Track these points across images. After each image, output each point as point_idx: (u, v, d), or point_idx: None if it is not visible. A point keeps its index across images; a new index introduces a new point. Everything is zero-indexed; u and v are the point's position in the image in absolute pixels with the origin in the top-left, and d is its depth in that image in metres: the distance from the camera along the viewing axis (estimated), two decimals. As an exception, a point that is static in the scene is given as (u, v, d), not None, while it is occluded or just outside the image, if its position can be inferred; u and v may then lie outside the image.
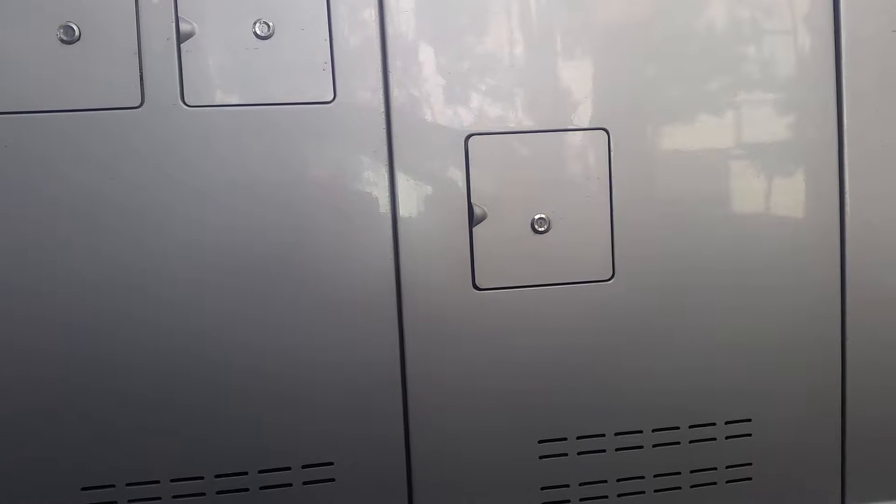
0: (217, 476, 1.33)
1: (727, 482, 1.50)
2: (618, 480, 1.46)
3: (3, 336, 1.27)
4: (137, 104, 1.27)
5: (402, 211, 1.36)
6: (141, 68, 1.27)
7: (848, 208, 1.47)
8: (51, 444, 1.29)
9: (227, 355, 1.32)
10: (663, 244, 1.43)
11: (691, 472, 1.48)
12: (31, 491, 1.29)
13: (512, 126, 1.38)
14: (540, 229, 1.39)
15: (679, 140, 1.43)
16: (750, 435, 1.50)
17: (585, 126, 1.40)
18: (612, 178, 1.41)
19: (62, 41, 1.24)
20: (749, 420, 1.50)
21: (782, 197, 1.46)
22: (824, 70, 1.44)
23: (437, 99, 1.36)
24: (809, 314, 1.49)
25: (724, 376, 1.48)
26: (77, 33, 1.24)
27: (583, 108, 1.40)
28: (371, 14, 1.33)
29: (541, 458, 1.43)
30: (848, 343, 1.50)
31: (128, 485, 1.31)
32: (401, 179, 1.35)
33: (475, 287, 1.38)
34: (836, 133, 1.46)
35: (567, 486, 1.44)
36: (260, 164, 1.31)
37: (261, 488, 1.34)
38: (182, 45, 1.27)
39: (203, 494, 1.33)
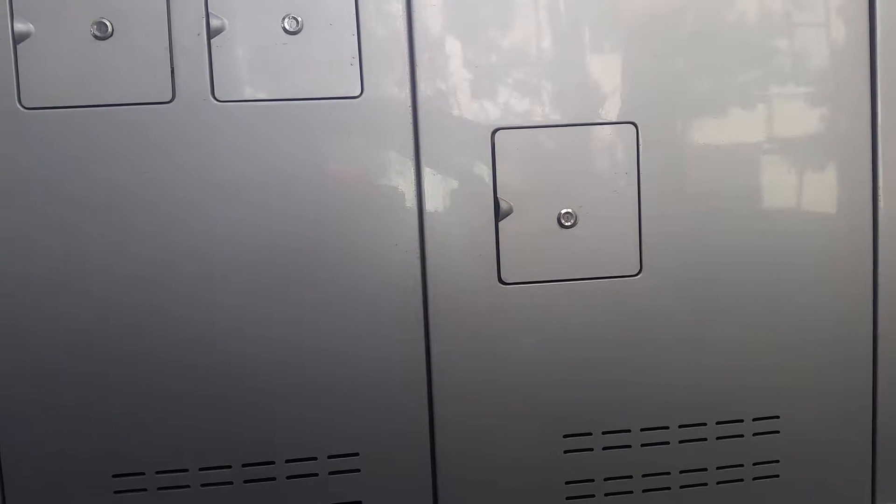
0: (244, 465, 1.35)
1: (754, 479, 1.49)
2: (643, 476, 1.45)
3: (36, 329, 1.29)
4: (168, 99, 1.29)
5: (429, 205, 1.36)
6: (172, 64, 1.28)
7: (881, 204, 1.44)
8: (83, 432, 1.32)
9: (253, 348, 1.34)
10: (692, 239, 1.42)
11: (718, 468, 1.47)
12: (65, 477, 1.32)
13: (539, 120, 1.38)
14: (566, 224, 1.39)
15: (709, 134, 1.41)
16: (778, 432, 1.48)
17: (614, 120, 1.39)
18: (641, 173, 1.40)
19: (95, 37, 1.26)
20: (777, 417, 1.48)
21: (814, 192, 1.44)
22: (858, 63, 1.42)
23: (463, 93, 1.36)
24: (841, 311, 1.47)
25: (753, 373, 1.46)
26: (110, 29, 1.26)
27: (611, 102, 1.39)
28: (398, 8, 1.33)
29: (566, 452, 1.43)
30: (880, 341, 1.47)
31: (157, 472, 1.34)
32: (427, 174, 1.36)
33: (501, 282, 1.38)
34: (869, 127, 1.43)
35: (592, 480, 1.44)
36: (288, 158, 1.32)
37: (287, 477, 1.36)
38: (212, 41, 1.29)
39: (231, 483, 1.35)
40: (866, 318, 1.47)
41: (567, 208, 1.39)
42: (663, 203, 1.41)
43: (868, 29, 1.41)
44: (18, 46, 1.25)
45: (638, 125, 1.39)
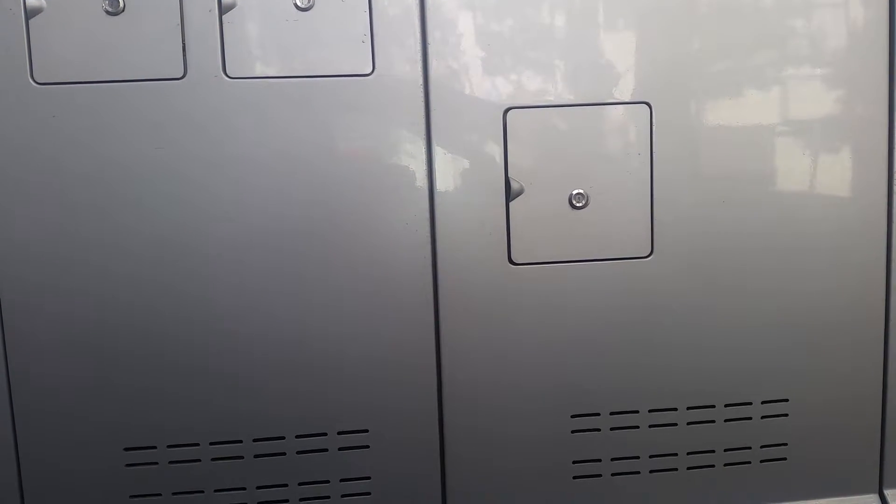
0: (255, 440, 1.37)
1: (762, 462, 1.49)
2: (650, 457, 1.46)
3: (47, 307, 1.31)
4: (180, 75, 1.29)
5: (439, 185, 1.36)
6: (184, 40, 1.28)
7: (897, 188, 1.44)
8: (97, 406, 1.33)
9: (263, 325, 1.34)
10: (704, 222, 1.41)
11: (725, 450, 1.48)
12: (78, 450, 1.34)
13: (551, 99, 1.37)
14: (578, 205, 1.38)
15: (723, 115, 1.40)
16: (787, 415, 1.48)
17: (627, 100, 1.38)
18: (654, 154, 1.39)
19: (107, 12, 1.26)
20: (786, 400, 1.48)
21: (828, 176, 1.43)
22: (876, 45, 1.39)
23: (475, 71, 1.35)
24: (853, 296, 1.46)
25: (763, 356, 1.46)
26: (122, 5, 1.26)
27: (624, 82, 1.38)
28: (411, -15, 1.32)
29: (573, 432, 1.44)
30: (891, 325, 1.47)
31: (168, 446, 1.35)
32: (438, 153, 1.35)
33: (511, 262, 1.38)
34: (886, 110, 1.41)
35: (599, 460, 1.45)
36: (299, 136, 1.32)
37: (297, 453, 1.38)
38: (224, 17, 1.28)
39: (241, 458, 1.37)
40: (878, 303, 1.46)
41: (579, 189, 1.38)
42: (676, 185, 1.40)
43: (888, 10, 1.39)
44: (30, 21, 1.25)
45: (652, 105, 1.38)
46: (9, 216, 1.28)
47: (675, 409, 1.45)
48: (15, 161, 1.27)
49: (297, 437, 1.37)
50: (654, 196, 1.40)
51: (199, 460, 1.36)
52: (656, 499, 1.47)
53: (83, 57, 1.27)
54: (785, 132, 1.41)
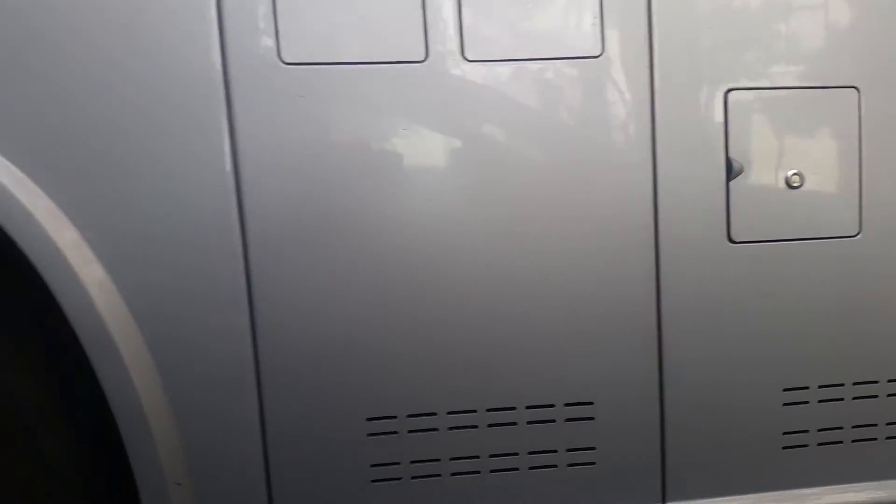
0: (488, 410, 1.42)
1: (887, 438, 1.55)
2: (853, 427, 1.52)
3: (297, 286, 1.34)
4: (422, 58, 1.32)
5: (661, 163, 1.39)
6: (425, 22, 1.31)
7: None
8: (342, 378, 1.37)
9: (498, 298, 1.38)
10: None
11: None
12: (322, 419, 1.38)
13: (769, 81, 1.40)
14: (794, 185, 1.42)
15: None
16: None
17: (837, 84, 1.42)
18: (862, 136, 1.43)
19: (351, -8, 1.29)
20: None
21: None
22: None
23: (698, 52, 1.38)
24: None
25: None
26: (365, -16, 1.28)
27: (835, 66, 1.41)
28: (641, -35, 1.35)
29: (784, 405, 1.49)
30: None
31: (408, 416, 1.40)
32: (661, 131, 1.39)
33: (730, 240, 1.42)
34: None
35: (806, 431, 1.50)
36: (534, 117, 1.35)
37: (527, 423, 1.43)
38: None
39: (475, 427, 1.42)
40: None
41: (794, 170, 1.42)
42: (885, 165, 1.44)
43: None
44: (278, 1, 1.27)
45: (860, 89, 1.41)
46: (260, 194, 1.31)
47: (877, 382, 1.51)
48: (265, 139, 1.30)
49: (528, 407, 1.42)
50: (863, 177, 1.44)
51: (437, 429, 1.41)
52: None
53: (325, 38, 1.29)
54: None
